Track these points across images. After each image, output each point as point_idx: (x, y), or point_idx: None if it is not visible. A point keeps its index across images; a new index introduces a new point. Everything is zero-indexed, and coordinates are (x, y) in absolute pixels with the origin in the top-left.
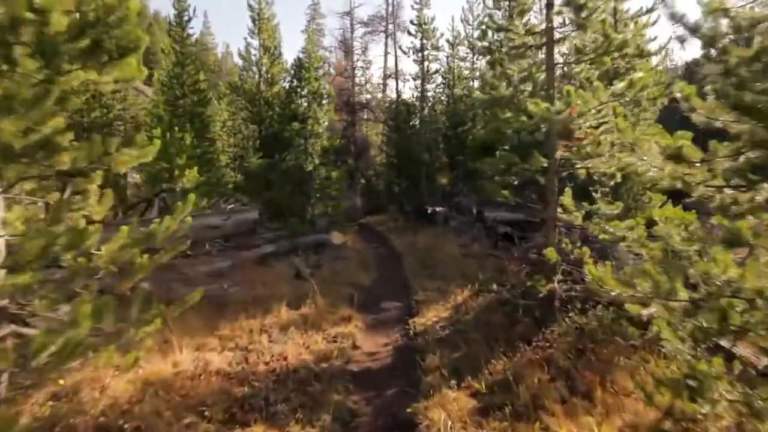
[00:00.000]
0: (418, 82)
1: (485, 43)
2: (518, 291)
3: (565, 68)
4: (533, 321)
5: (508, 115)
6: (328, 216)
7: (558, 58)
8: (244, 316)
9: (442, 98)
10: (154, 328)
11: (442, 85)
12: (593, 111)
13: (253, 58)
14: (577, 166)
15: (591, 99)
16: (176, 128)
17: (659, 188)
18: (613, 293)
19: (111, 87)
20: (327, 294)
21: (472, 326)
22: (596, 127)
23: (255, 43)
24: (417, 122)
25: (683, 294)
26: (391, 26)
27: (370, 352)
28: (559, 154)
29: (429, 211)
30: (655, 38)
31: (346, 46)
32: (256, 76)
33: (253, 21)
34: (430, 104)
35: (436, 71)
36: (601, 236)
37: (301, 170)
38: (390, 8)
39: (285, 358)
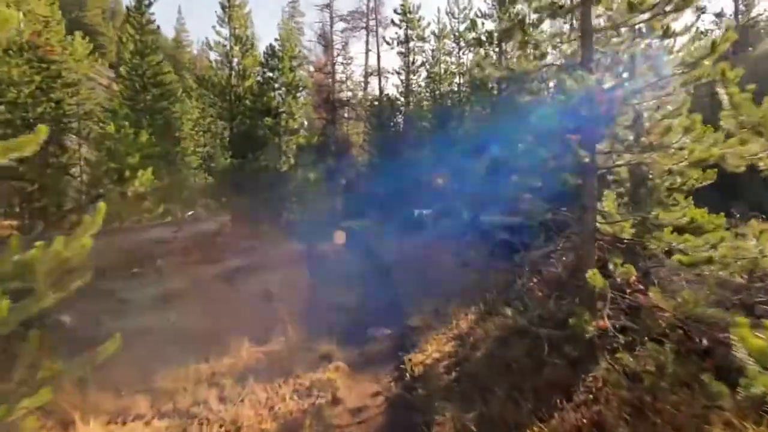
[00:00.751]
0: (402, 76)
1: (474, 35)
2: (535, 314)
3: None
4: (566, 361)
5: (528, 98)
6: (305, 222)
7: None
8: (193, 359)
9: (427, 94)
10: (39, 401)
11: (427, 80)
12: (650, 88)
13: (224, 48)
14: (619, 163)
15: (646, 71)
16: (127, 123)
17: (685, 189)
18: None
19: None
20: (302, 320)
21: (486, 367)
22: (656, 110)
23: (225, 32)
24: (401, 120)
25: None
26: (372, 22)
27: (355, 409)
28: (604, 146)
29: (415, 214)
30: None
31: (325, 40)
32: (227, 68)
33: (223, 8)
34: (415, 100)
35: (422, 64)
36: (676, 257)
37: (275, 171)
38: (371, 4)
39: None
